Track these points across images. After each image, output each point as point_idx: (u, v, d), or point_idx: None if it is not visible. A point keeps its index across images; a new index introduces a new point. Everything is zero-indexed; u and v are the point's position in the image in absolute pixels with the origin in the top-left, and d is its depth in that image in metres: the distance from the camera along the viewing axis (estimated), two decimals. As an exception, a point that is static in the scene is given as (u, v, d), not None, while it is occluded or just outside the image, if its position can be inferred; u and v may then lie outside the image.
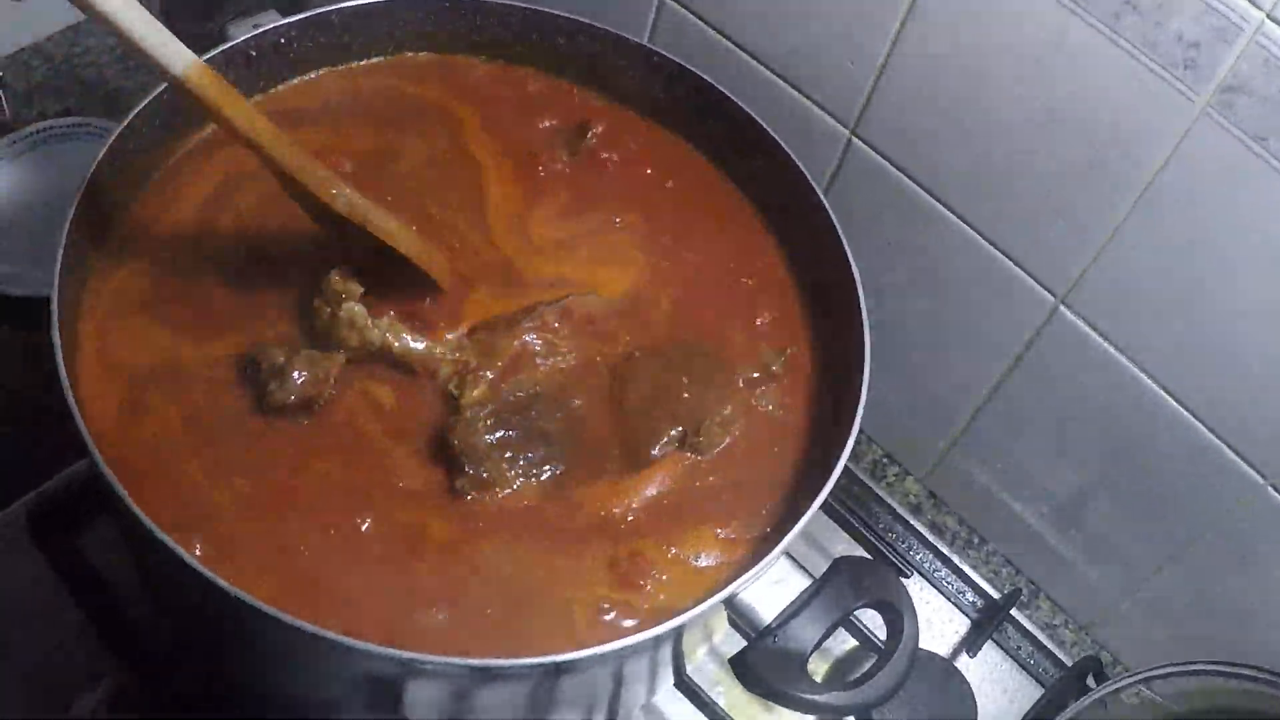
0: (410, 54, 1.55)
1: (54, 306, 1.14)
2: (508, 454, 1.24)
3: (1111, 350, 1.51)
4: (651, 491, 1.27)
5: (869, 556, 1.70)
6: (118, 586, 1.50)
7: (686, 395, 1.33)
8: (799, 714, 1.59)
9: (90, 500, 1.53)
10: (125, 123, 1.29)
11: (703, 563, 1.23)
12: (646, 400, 1.32)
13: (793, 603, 1.18)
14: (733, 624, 1.21)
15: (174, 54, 1.11)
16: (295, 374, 1.22)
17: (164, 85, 1.32)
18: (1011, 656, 1.73)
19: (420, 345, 1.28)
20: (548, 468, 1.25)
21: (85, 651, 1.49)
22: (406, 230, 1.29)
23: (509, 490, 1.24)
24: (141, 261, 1.32)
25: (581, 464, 1.27)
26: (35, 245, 1.79)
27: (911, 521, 1.80)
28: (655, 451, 1.29)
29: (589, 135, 1.50)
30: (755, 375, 1.36)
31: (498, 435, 1.25)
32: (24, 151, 1.90)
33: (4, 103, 1.96)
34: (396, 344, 1.27)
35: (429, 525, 1.21)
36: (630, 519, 1.25)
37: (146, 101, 1.31)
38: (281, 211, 1.35)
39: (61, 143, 1.91)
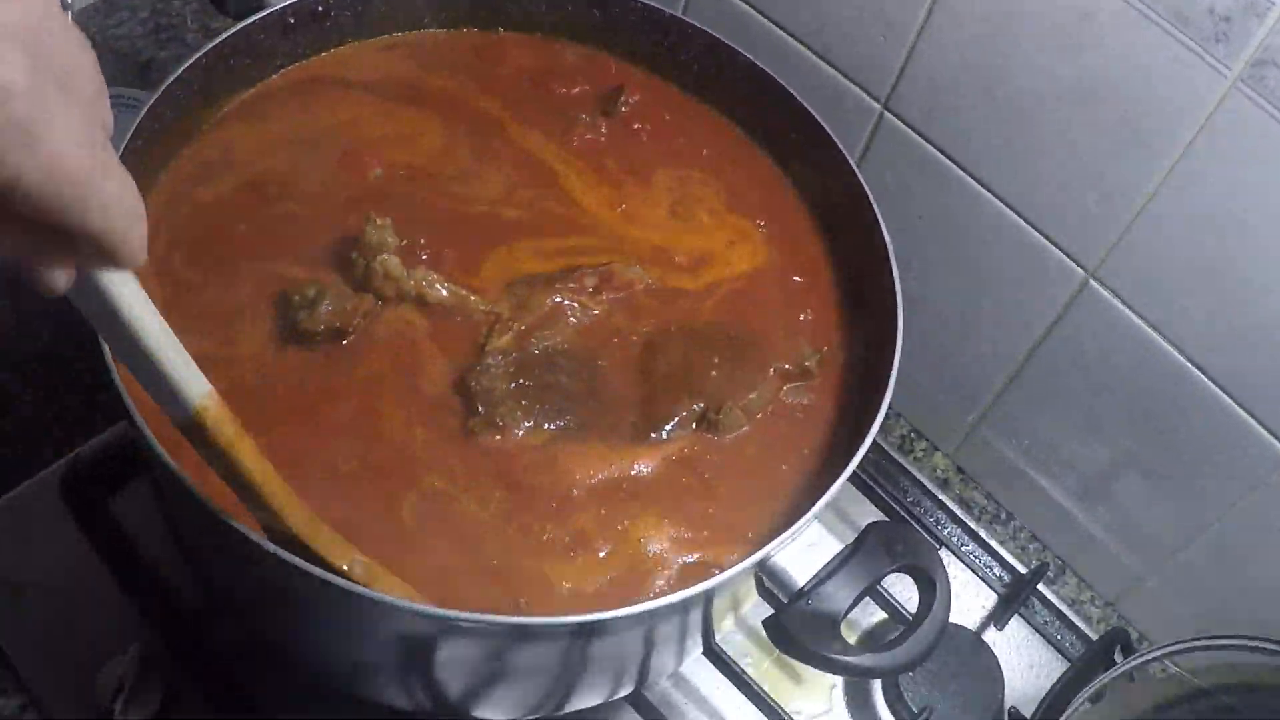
0: (445, 30, 1.56)
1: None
2: (523, 402, 1.25)
3: (1141, 324, 1.51)
4: (644, 470, 1.28)
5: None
6: (149, 551, 1.51)
7: (714, 374, 1.33)
8: (826, 682, 1.61)
9: (122, 465, 1.55)
10: (159, 92, 1.30)
11: (651, 549, 1.23)
12: (673, 372, 1.33)
13: (826, 566, 1.18)
14: (764, 589, 1.21)
15: (192, 382, 0.97)
16: (324, 305, 1.24)
17: (197, 55, 1.33)
18: (1038, 631, 1.73)
19: (455, 295, 1.29)
20: (561, 422, 1.26)
21: (115, 616, 1.49)
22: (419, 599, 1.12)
23: (517, 433, 1.25)
24: (177, 228, 1.33)
25: (595, 425, 1.28)
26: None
27: (939, 496, 1.81)
28: (670, 426, 1.29)
29: (622, 101, 1.51)
30: (788, 368, 1.36)
31: (515, 384, 1.26)
32: (57, 122, 1.90)
33: (37, 75, 1.96)
34: (430, 293, 1.28)
35: (435, 466, 1.23)
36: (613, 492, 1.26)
37: (180, 71, 1.32)
38: (318, 174, 1.37)
39: (95, 114, 1.91)
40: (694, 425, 1.30)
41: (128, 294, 0.87)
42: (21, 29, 0.69)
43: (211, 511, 1.05)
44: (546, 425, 1.25)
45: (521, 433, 1.24)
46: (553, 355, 1.30)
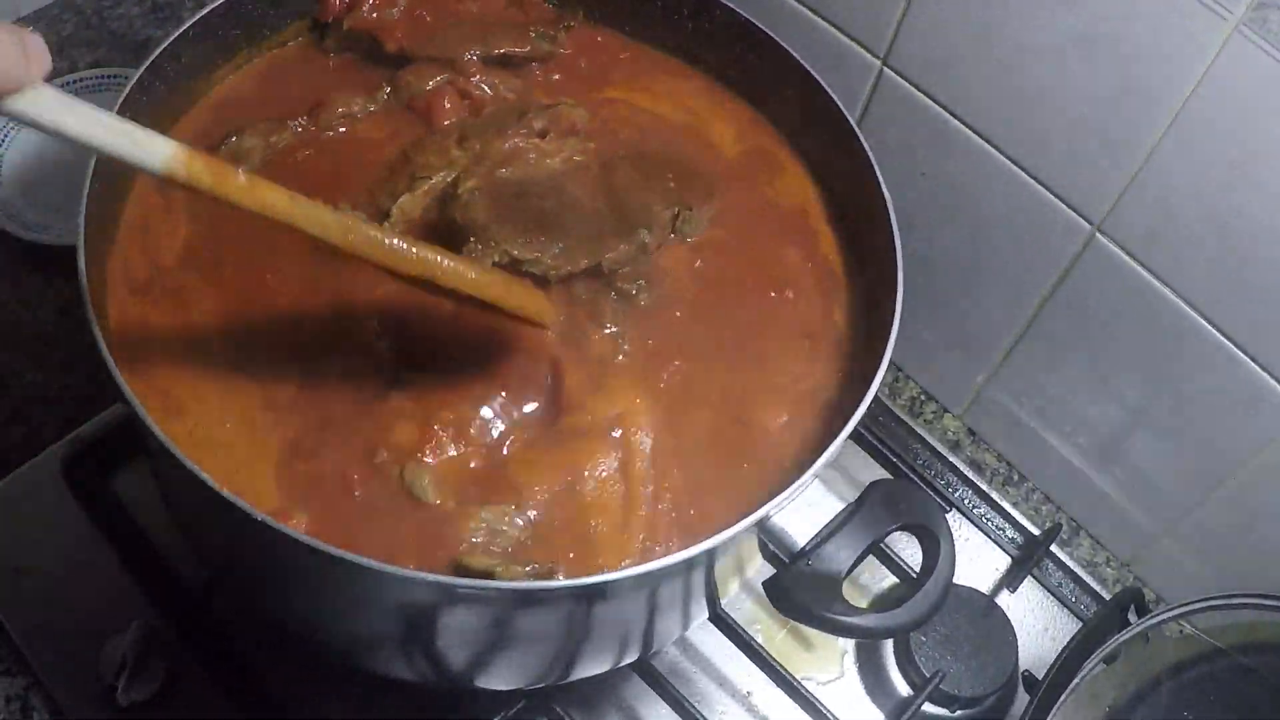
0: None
1: (80, 251, 1.14)
2: (508, 225, 1.24)
3: (1149, 277, 1.49)
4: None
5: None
6: (150, 529, 1.51)
7: (673, 185, 1.37)
8: (837, 649, 1.60)
9: (124, 444, 1.55)
10: (144, 67, 1.29)
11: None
12: (636, 184, 1.36)
13: (827, 525, 1.17)
14: (765, 550, 1.20)
15: (150, 150, 0.97)
16: None
17: (182, 29, 1.32)
18: (1052, 593, 1.72)
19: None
20: (543, 239, 1.25)
21: (117, 594, 1.50)
22: (493, 276, 1.17)
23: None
24: (169, 204, 1.32)
25: (579, 238, 1.27)
26: (65, 195, 1.81)
27: (950, 458, 1.79)
28: (648, 232, 1.31)
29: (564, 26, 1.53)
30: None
31: (496, 209, 1.26)
32: (54, 103, 1.89)
33: (34, 55, 1.95)
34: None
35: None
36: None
37: (164, 46, 1.31)
38: (316, 150, 1.36)
39: (92, 94, 1.91)
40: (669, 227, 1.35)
41: (41, 105, 0.89)
42: None
43: (205, 485, 1.04)
44: (535, 244, 1.24)
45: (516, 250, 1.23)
46: (522, 185, 1.31)
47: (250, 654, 1.47)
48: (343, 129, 1.40)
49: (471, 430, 1.20)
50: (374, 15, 1.45)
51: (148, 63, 1.29)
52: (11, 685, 1.46)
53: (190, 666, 1.46)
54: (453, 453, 1.19)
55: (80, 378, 1.68)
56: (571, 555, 1.17)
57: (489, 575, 1.10)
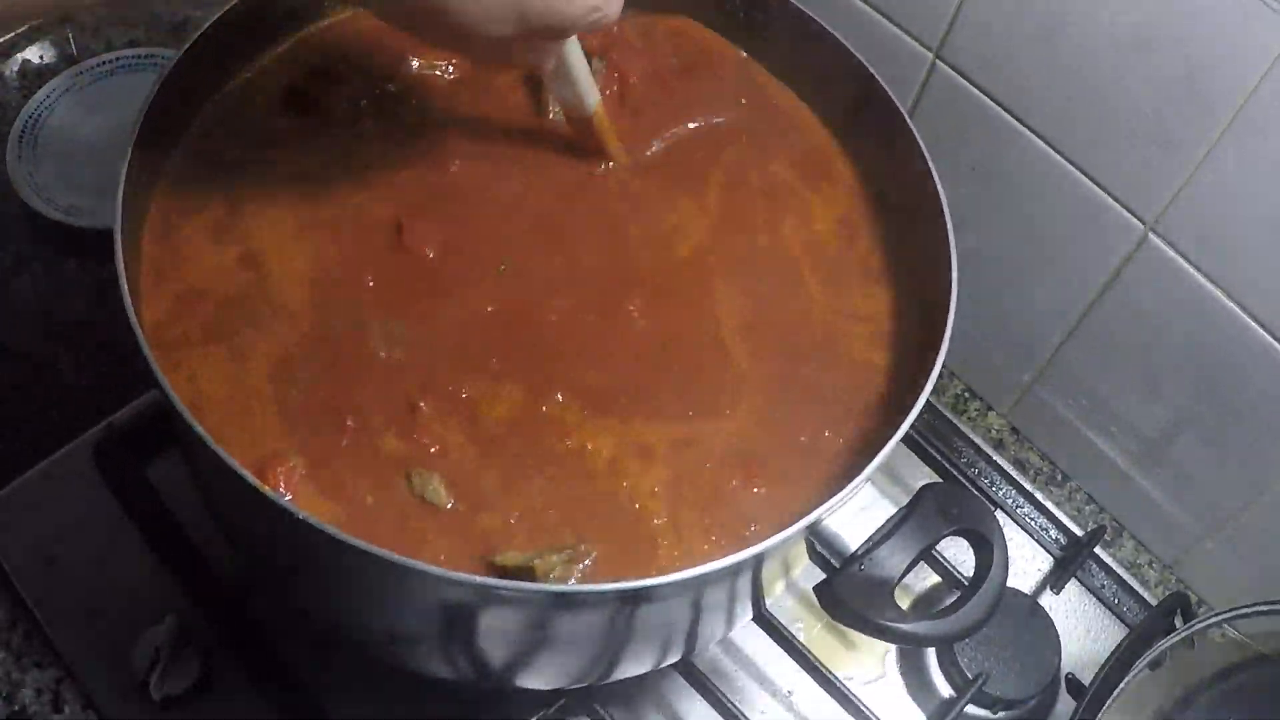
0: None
1: (117, 236, 1.12)
2: None
3: (1202, 279, 1.47)
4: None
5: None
6: (186, 519, 1.50)
7: None
8: (879, 648, 1.59)
9: (158, 432, 1.53)
10: (183, 50, 1.27)
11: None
12: None
13: (879, 529, 1.15)
14: (814, 554, 1.18)
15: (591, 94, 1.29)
16: None
17: (222, 11, 1.30)
18: (1095, 595, 1.70)
19: None
20: None
21: (152, 586, 1.48)
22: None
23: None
24: (206, 189, 1.29)
25: None
26: (101, 178, 1.79)
27: (994, 457, 1.77)
28: None
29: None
30: None
31: None
32: (90, 84, 1.89)
33: (70, 35, 1.95)
34: None
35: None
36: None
37: (203, 30, 1.29)
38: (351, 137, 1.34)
39: (128, 75, 1.90)
40: None
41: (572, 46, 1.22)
42: None
43: (240, 478, 1.02)
44: None
45: None
46: None
47: (287, 650, 1.45)
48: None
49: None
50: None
51: (180, 55, 1.26)
52: (42, 677, 1.45)
53: (226, 661, 1.44)
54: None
55: (113, 364, 1.67)
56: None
57: (529, 569, 1.08)
